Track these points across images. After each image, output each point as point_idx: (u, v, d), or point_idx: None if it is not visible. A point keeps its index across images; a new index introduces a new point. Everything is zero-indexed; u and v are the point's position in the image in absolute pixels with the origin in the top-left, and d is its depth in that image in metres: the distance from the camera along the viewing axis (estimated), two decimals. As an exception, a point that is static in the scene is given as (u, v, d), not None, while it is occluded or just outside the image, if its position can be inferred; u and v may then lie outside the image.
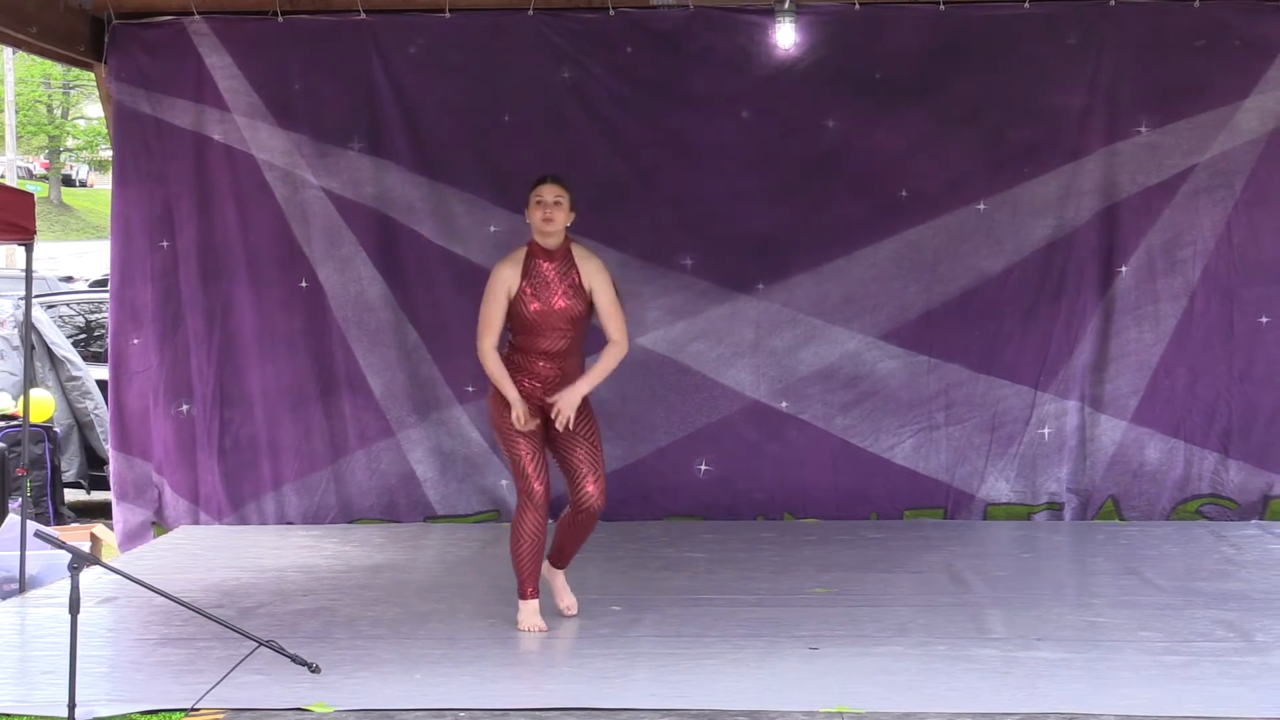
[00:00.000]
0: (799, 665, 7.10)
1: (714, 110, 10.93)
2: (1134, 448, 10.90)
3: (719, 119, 10.93)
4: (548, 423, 7.87)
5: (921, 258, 10.92)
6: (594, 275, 7.97)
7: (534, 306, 7.84)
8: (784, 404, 11.04)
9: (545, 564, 8.06)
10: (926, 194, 10.91)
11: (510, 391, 7.81)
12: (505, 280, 7.90)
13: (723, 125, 10.93)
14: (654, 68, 10.93)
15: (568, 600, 8.20)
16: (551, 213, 7.87)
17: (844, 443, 10.99)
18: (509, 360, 7.92)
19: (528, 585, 7.88)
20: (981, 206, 10.90)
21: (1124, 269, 10.88)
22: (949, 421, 10.96)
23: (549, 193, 7.90)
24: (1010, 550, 10.00)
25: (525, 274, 7.89)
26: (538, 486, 7.79)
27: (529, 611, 7.88)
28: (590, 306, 7.95)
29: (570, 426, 7.81)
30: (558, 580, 8.20)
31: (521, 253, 7.97)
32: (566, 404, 7.78)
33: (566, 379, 7.88)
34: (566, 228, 7.95)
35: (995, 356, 10.94)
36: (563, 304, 7.87)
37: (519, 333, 7.93)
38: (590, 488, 7.87)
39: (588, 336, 8.05)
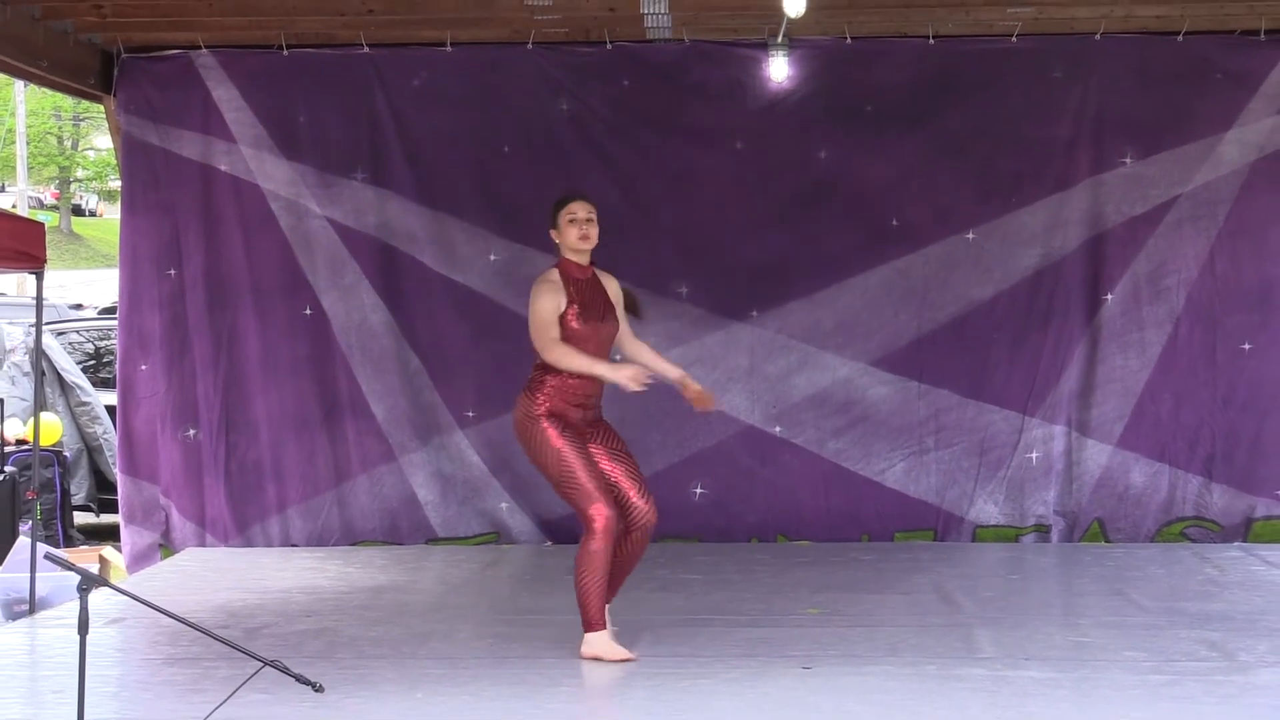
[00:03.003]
0: (793, 685, 7.12)
1: (709, 141, 11.05)
2: (1119, 471, 10.99)
3: (714, 150, 11.04)
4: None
5: (912, 286, 11.01)
6: (618, 293, 7.85)
7: (577, 326, 7.59)
8: (778, 429, 11.13)
9: None
10: (916, 223, 11.00)
11: (603, 368, 7.57)
12: (555, 300, 7.58)
13: (718, 156, 11.04)
14: (650, 100, 11.04)
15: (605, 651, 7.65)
16: (587, 230, 7.68)
17: (836, 466, 11.07)
18: (544, 385, 7.63)
19: (598, 617, 7.54)
20: (970, 236, 11.00)
21: (1110, 297, 10.98)
22: (939, 446, 11.05)
23: (582, 210, 7.73)
24: (999, 571, 10.06)
25: (569, 297, 7.61)
26: (607, 510, 7.48)
27: (604, 640, 7.57)
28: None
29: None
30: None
31: (555, 274, 7.69)
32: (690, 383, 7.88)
33: (601, 397, 7.77)
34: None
35: (984, 382, 11.03)
36: (604, 322, 7.70)
37: (564, 356, 7.60)
38: (643, 504, 7.67)
39: None
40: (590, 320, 7.65)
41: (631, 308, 7.91)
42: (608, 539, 7.48)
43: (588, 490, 7.52)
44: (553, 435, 7.61)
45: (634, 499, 7.67)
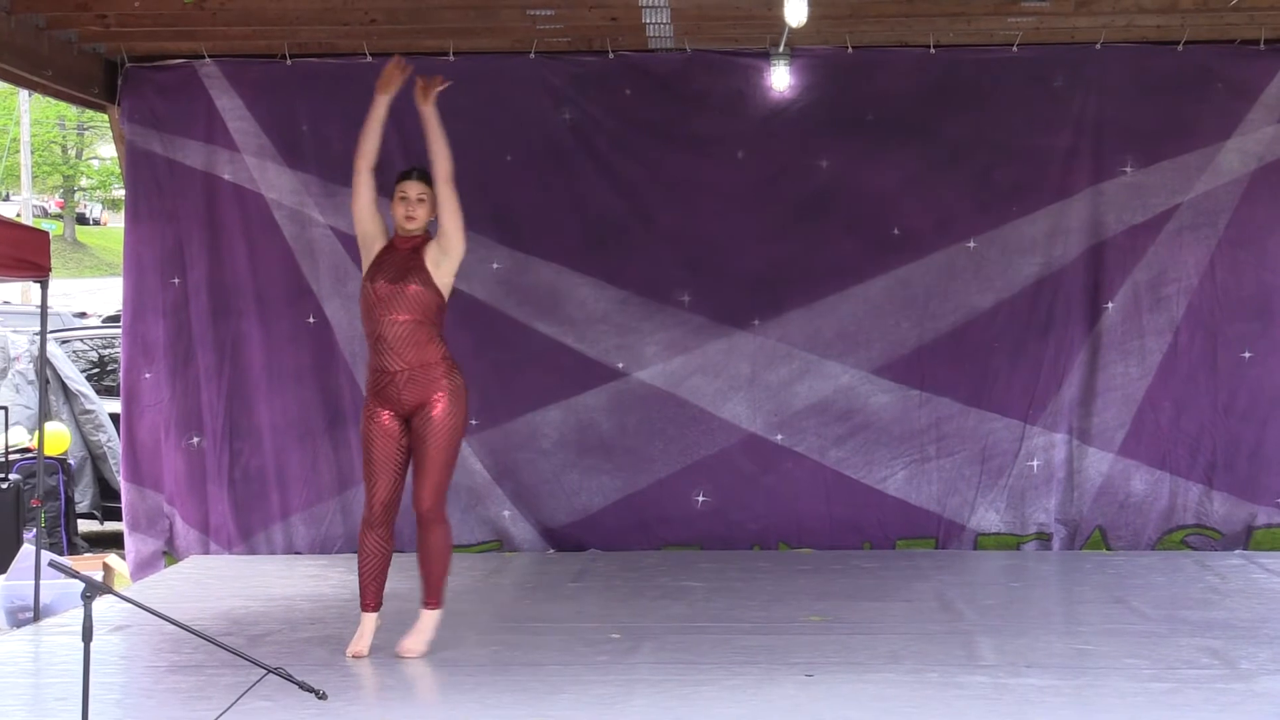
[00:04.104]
0: (794, 692, 7.14)
1: (711, 150, 11.09)
2: (1120, 479, 11.02)
3: (715, 159, 11.09)
4: (413, 417, 7.76)
5: (913, 294, 11.06)
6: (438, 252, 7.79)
7: (379, 284, 7.72)
8: (779, 437, 11.17)
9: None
10: (917, 232, 11.04)
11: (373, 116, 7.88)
12: (378, 225, 7.91)
13: (719, 165, 11.08)
14: (652, 109, 11.09)
15: (412, 641, 7.93)
16: (414, 209, 7.81)
17: (838, 474, 11.12)
18: (369, 374, 7.84)
19: (365, 599, 7.94)
20: (971, 244, 11.04)
21: (1110, 305, 11.02)
22: (940, 454, 11.09)
23: (413, 189, 7.83)
24: (1000, 579, 10.09)
25: (379, 255, 7.82)
26: (375, 506, 7.80)
27: (362, 628, 7.94)
28: (439, 297, 7.76)
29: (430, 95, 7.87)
30: (422, 622, 8.01)
31: (389, 238, 7.94)
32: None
33: (417, 374, 7.68)
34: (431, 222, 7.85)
35: (985, 390, 11.07)
36: (404, 283, 7.69)
37: (367, 321, 7.80)
38: (423, 501, 7.77)
39: (443, 339, 7.84)
40: (389, 277, 7.74)
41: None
42: (367, 524, 7.88)
43: (367, 481, 7.87)
44: (363, 417, 7.90)
45: (415, 492, 7.82)
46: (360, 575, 7.95)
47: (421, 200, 7.84)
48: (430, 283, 7.77)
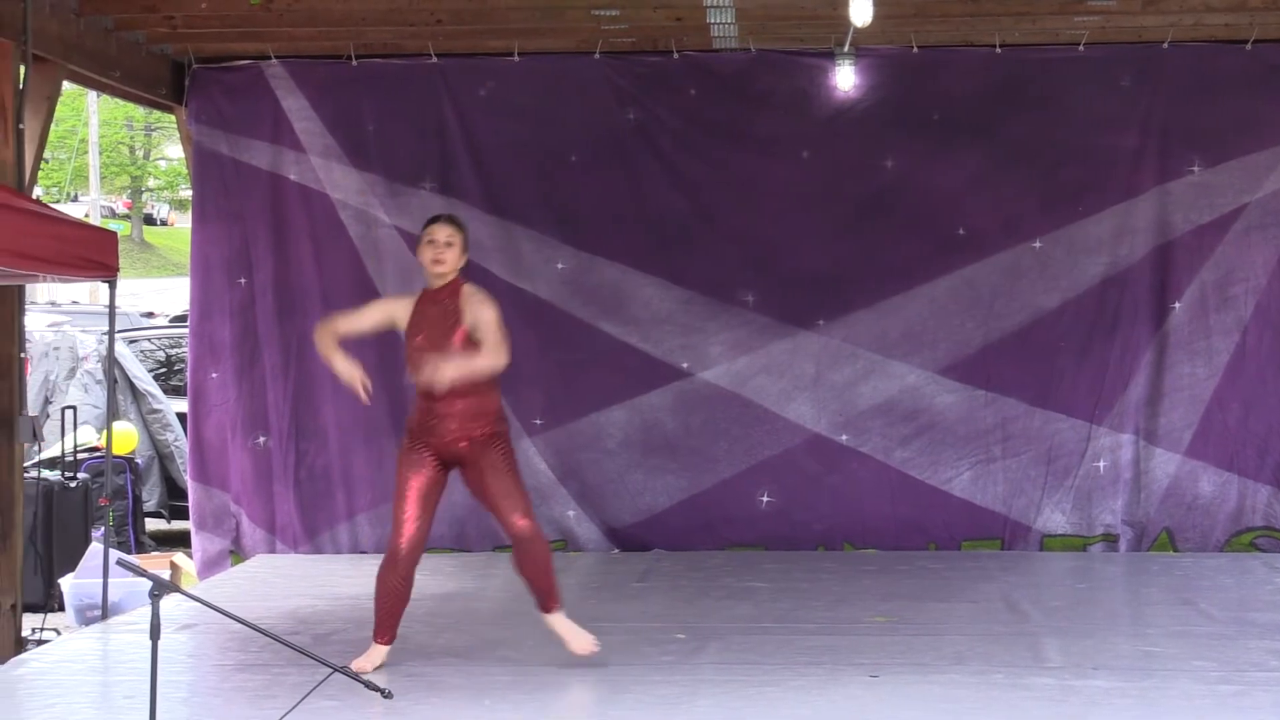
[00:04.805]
0: (859, 693, 7.14)
1: (775, 150, 11.10)
2: (1188, 480, 10.96)
3: (780, 159, 11.09)
4: (461, 465, 7.64)
5: (978, 294, 11.04)
6: (477, 308, 7.51)
7: (416, 340, 7.58)
8: (844, 437, 11.16)
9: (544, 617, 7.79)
10: (983, 232, 11.02)
11: (332, 359, 7.71)
12: (391, 305, 7.92)
13: (784, 165, 11.09)
14: (716, 109, 11.10)
15: (578, 641, 7.75)
16: (442, 253, 7.57)
17: (903, 475, 11.10)
18: (415, 408, 7.68)
19: (380, 631, 7.68)
20: (1037, 244, 11.00)
21: (1177, 305, 10.96)
22: (1006, 454, 11.05)
23: (441, 233, 7.60)
24: (1066, 581, 10.05)
25: (414, 312, 7.64)
26: (401, 543, 7.57)
27: (372, 653, 7.63)
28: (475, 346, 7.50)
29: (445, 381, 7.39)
30: (558, 626, 7.78)
31: (416, 295, 7.75)
32: (436, 370, 7.39)
33: (462, 423, 7.52)
34: (462, 269, 7.65)
35: (1051, 391, 11.03)
36: (439, 340, 7.52)
37: (412, 373, 7.67)
38: (514, 519, 7.56)
39: (490, 383, 7.58)
40: (426, 336, 7.58)
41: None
42: (391, 562, 7.63)
43: (397, 516, 7.62)
44: (401, 450, 7.74)
45: (505, 517, 7.60)
46: (376, 609, 7.69)
47: (450, 244, 7.60)
48: (463, 337, 7.55)
